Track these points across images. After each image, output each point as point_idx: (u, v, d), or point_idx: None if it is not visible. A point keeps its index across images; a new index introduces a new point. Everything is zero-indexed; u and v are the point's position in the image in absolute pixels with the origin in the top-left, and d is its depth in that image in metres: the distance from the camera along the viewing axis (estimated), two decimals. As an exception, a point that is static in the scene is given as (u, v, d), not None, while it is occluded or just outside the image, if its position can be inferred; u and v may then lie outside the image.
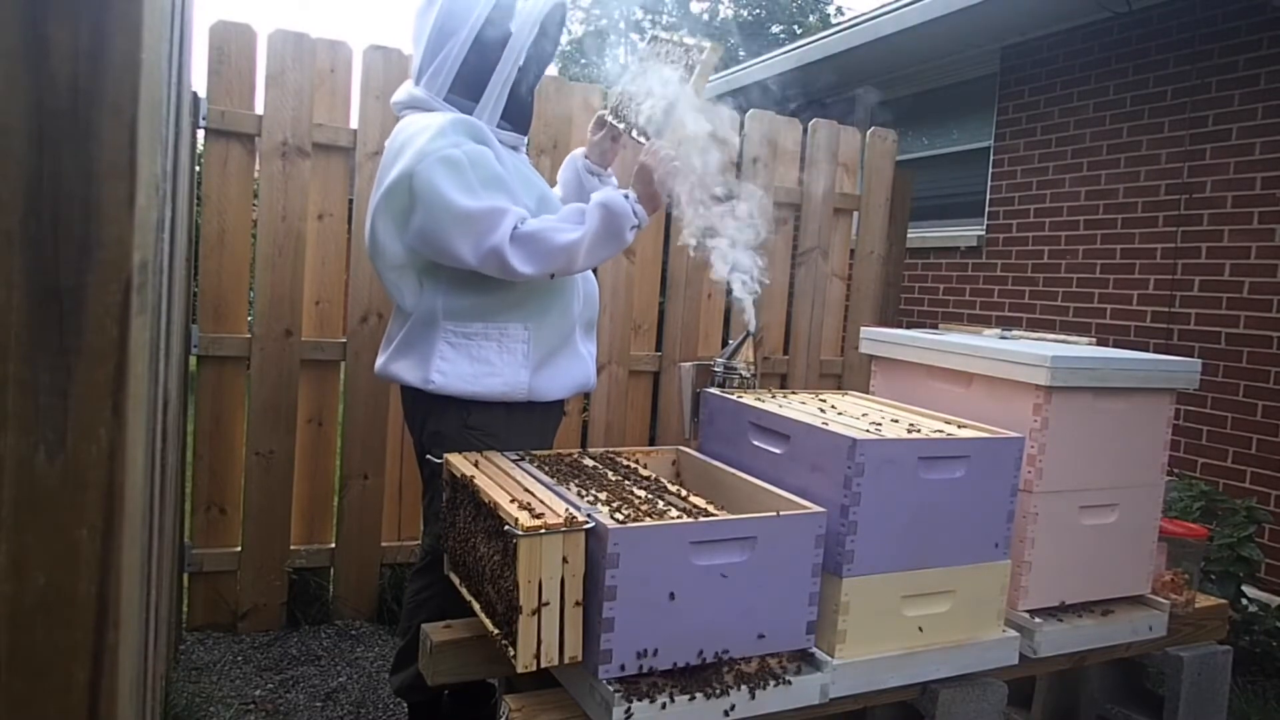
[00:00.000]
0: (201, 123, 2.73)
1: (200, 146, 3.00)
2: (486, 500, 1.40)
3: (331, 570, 3.04)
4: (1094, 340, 2.21)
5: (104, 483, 0.70)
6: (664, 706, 1.29)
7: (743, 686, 1.36)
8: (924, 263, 5.75)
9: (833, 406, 1.82)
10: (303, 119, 2.84)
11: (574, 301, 2.04)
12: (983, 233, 5.33)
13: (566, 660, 1.30)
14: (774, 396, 1.87)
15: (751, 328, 1.95)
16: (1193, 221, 4.16)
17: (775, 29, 17.88)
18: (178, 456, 2.10)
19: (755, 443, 1.69)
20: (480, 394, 1.92)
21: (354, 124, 2.93)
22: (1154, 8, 4.36)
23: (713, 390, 1.87)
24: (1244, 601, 3.05)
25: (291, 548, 2.95)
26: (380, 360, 2.06)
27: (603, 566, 1.26)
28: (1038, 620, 1.72)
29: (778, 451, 1.63)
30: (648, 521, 1.32)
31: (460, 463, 1.60)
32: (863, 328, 2.27)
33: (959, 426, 1.70)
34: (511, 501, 1.35)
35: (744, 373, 1.94)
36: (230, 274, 2.82)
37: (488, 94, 1.94)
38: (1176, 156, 4.25)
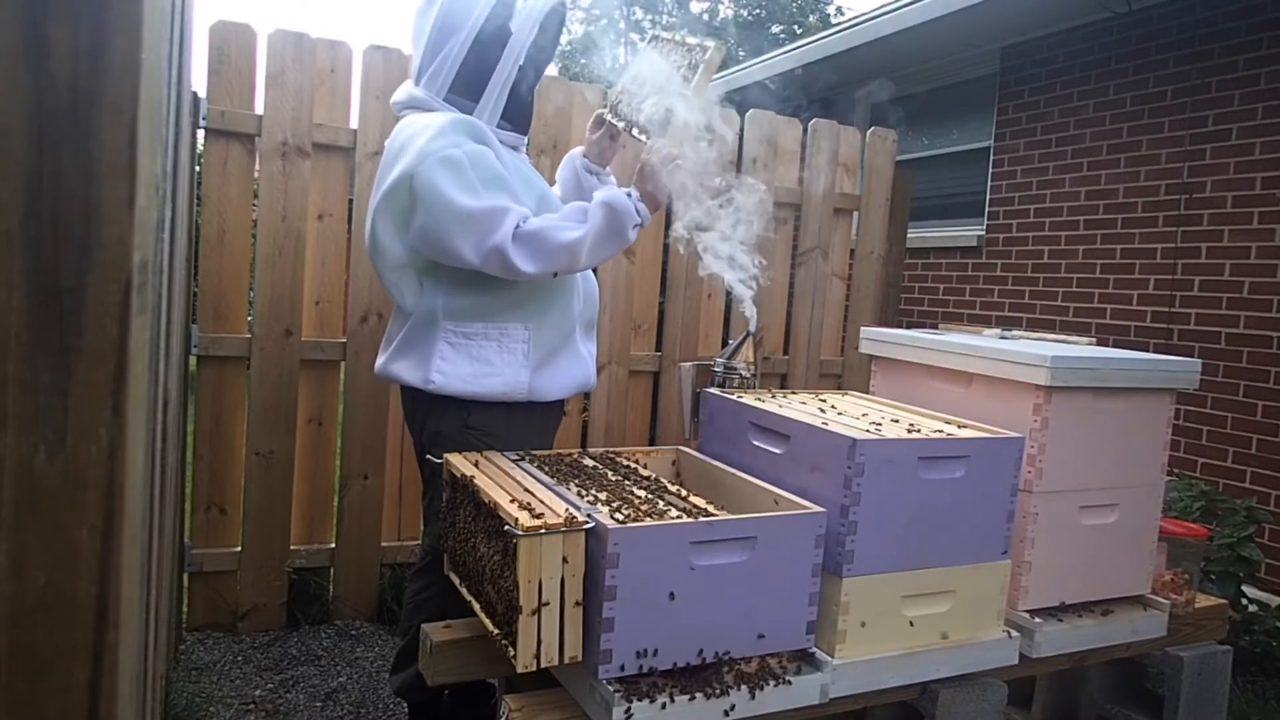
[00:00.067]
0: (201, 123, 2.73)
1: (200, 146, 3.00)
2: (486, 500, 1.40)
3: (331, 570, 3.04)
4: (1094, 340, 2.21)
5: (104, 483, 0.70)
6: (664, 706, 1.29)
7: (743, 686, 1.36)
8: (924, 263, 5.75)
9: (833, 406, 1.82)
10: (303, 119, 2.84)
11: (574, 301, 2.04)
12: (983, 233, 5.33)
13: (566, 660, 1.30)
14: (774, 396, 1.87)
15: (751, 328, 1.95)
16: (1193, 221, 4.16)
17: (775, 29, 17.88)
18: (178, 456, 2.10)
19: (755, 443, 1.69)
20: (480, 394, 1.92)
21: (354, 124, 2.93)
22: (1154, 8, 4.36)
23: (713, 390, 1.87)
24: (1244, 601, 3.05)
25: (291, 548, 2.95)
26: (380, 360, 2.06)
27: (603, 566, 1.26)
28: (1038, 620, 1.72)
29: (778, 451, 1.63)
30: (648, 521, 1.32)
31: (460, 463, 1.60)
32: (863, 328, 2.27)
33: (959, 426, 1.70)
34: (511, 501, 1.35)
35: (744, 373, 1.94)
36: (230, 274, 2.82)
37: (488, 94, 1.94)
38: (1176, 156, 4.25)
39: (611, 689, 1.27)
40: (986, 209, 5.33)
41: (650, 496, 1.48)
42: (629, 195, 1.87)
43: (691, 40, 2.00)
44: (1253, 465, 3.84)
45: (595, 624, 1.28)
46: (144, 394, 0.76)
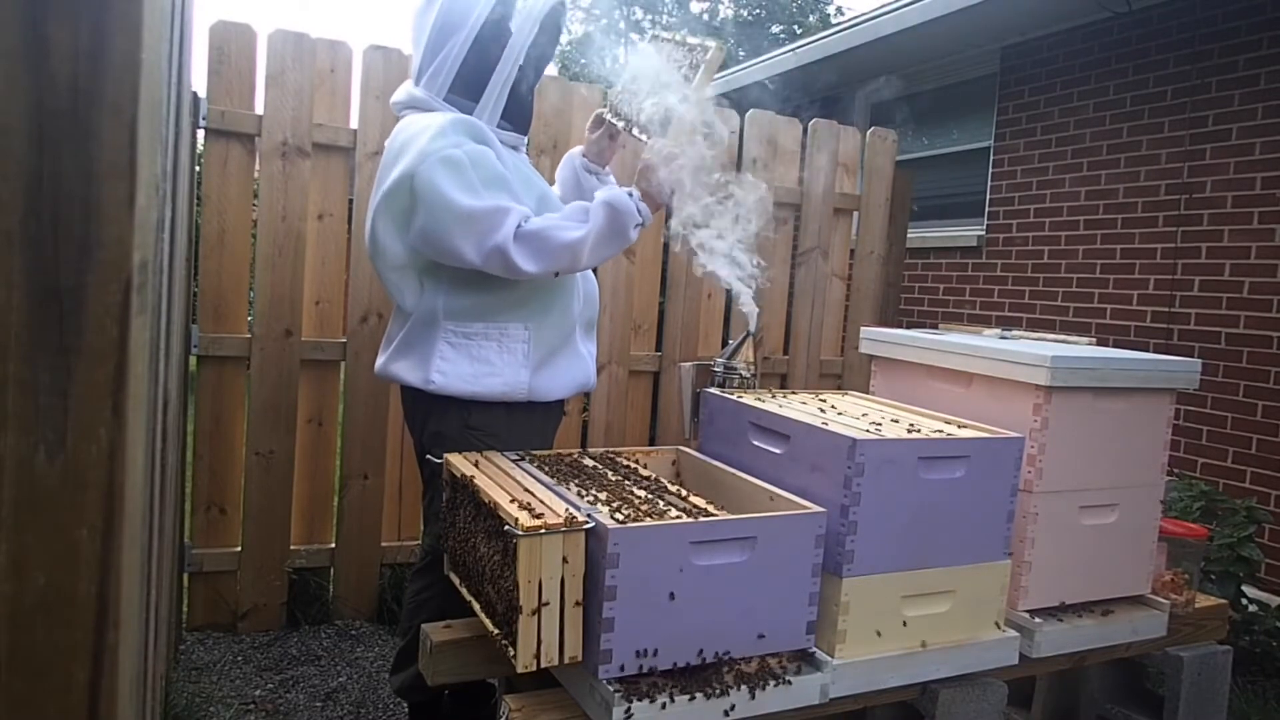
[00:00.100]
0: (201, 123, 2.73)
1: (200, 146, 3.00)
2: (486, 500, 1.40)
3: (331, 570, 3.04)
4: (1094, 340, 2.21)
5: (104, 483, 0.70)
6: (664, 706, 1.29)
7: (743, 686, 1.36)
8: (924, 263, 5.75)
9: (833, 406, 1.82)
10: (303, 119, 2.84)
11: (574, 301, 2.04)
12: (983, 233, 5.33)
13: (566, 660, 1.30)
14: (774, 396, 1.87)
15: (752, 327, 1.95)
16: (1193, 221, 4.16)
17: (775, 29, 17.88)
18: (178, 456, 2.10)
19: (755, 443, 1.69)
20: (481, 394, 1.92)
21: (354, 124, 2.93)
22: (1154, 8, 4.36)
23: (713, 390, 1.87)
24: (1244, 601, 3.05)
25: (291, 548, 2.95)
26: (380, 360, 2.06)
27: (603, 566, 1.26)
28: (1038, 620, 1.72)
29: (778, 451, 1.63)
30: (648, 521, 1.32)
31: (460, 463, 1.60)
32: (863, 328, 2.27)
33: (959, 426, 1.70)
34: (511, 501, 1.35)
35: (744, 373, 1.94)
36: (230, 274, 2.82)
37: (488, 94, 1.94)
38: (1176, 156, 4.25)
39: (611, 689, 1.27)
40: (986, 209, 5.33)
41: (650, 496, 1.48)
42: (630, 195, 1.87)
43: (692, 40, 2.00)
44: (1253, 465, 3.84)
45: (595, 624, 1.28)
46: (144, 394, 0.76)
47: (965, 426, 1.70)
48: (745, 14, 18.35)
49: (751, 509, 1.50)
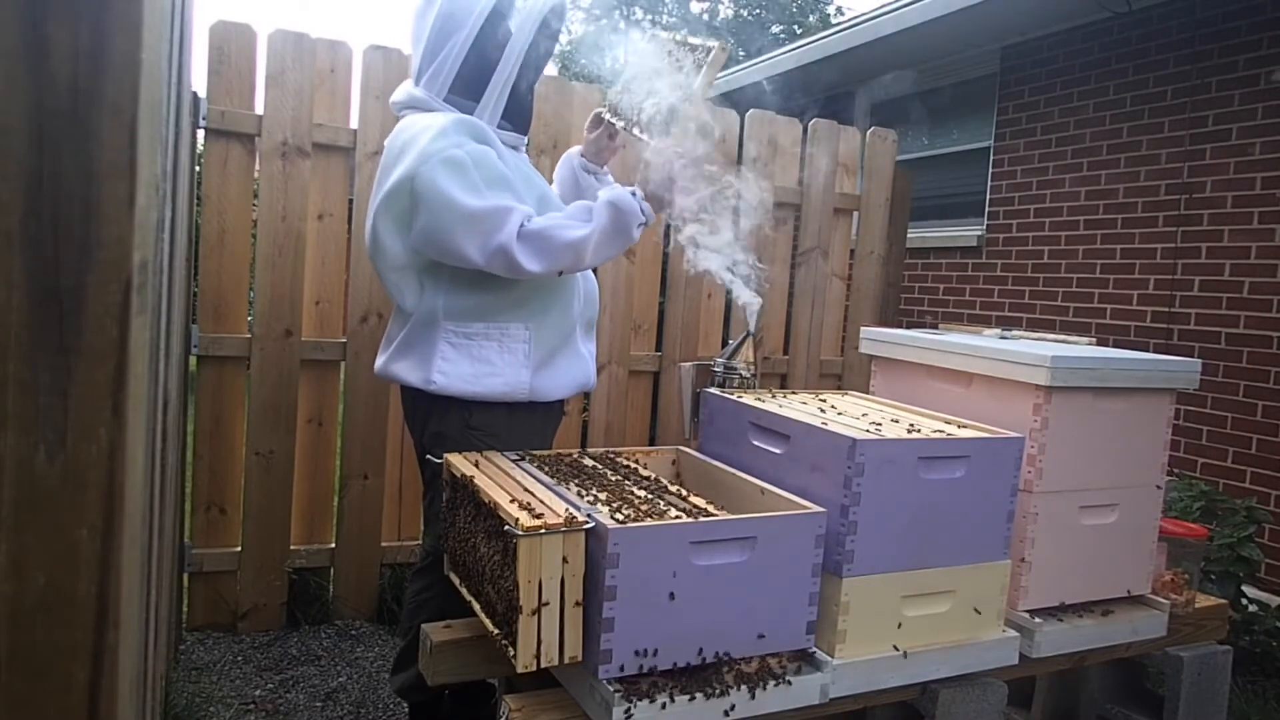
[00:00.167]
0: (201, 123, 2.73)
1: (200, 146, 3.00)
2: (486, 500, 1.40)
3: (331, 570, 3.04)
4: (1094, 340, 2.21)
5: (104, 483, 0.70)
6: (664, 706, 1.29)
7: (743, 686, 1.36)
8: (924, 263, 5.75)
9: (833, 406, 1.82)
10: (303, 119, 2.84)
11: (574, 301, 2.04)
12: (983, 233, 5.33)
13: (566, 660, 1.30)
14: (774, 396, 1.87)
15: (751, 327, 1.95)
16: (1193, 221, 4.16)
17: (775, 29, 17.87)
18: (178, 456, 2.10)
19: (755, 443, 1.69)
20: (481, 394, 1.92)
21: (354, 124, 2.93)
22: (1154, 8, 4.36)
23: (713, 390, 1.87)
24: (1244, 601, 3.05)
25: (291, 548, 2.95)
26: (380, 360, 2.06)
27: (603, 566, 1.26)
28: (1038, 620, 1.72)
29: (778, 451, 1.63)
30: (648, 521, 1.32)
31: (460, 463, 1.60)
32: (863, 328, 2.27)
33: (959, 426, 1.70)
34: (511, 501, 1.35)
35: (744, 373, 1.94)
36: (230, 274, 2.82)
37: (488, 94, 1.94)
38: (1176, 156, 4.25)
39: (611, 689, 1.27)
40: (986, 209, 5.33)
41: (650, 496, 1.48)
42: (634, 194, 1.87)
43: (695, 40, 2.00)
44: (1253, 465, 3.84)
45: (595, 624, 1.28)
46: (144, 394, 0.76)
47: (965, 426, 1.70)
48: (745, 14, 18.35)
49: (751, 509, 1.50)
